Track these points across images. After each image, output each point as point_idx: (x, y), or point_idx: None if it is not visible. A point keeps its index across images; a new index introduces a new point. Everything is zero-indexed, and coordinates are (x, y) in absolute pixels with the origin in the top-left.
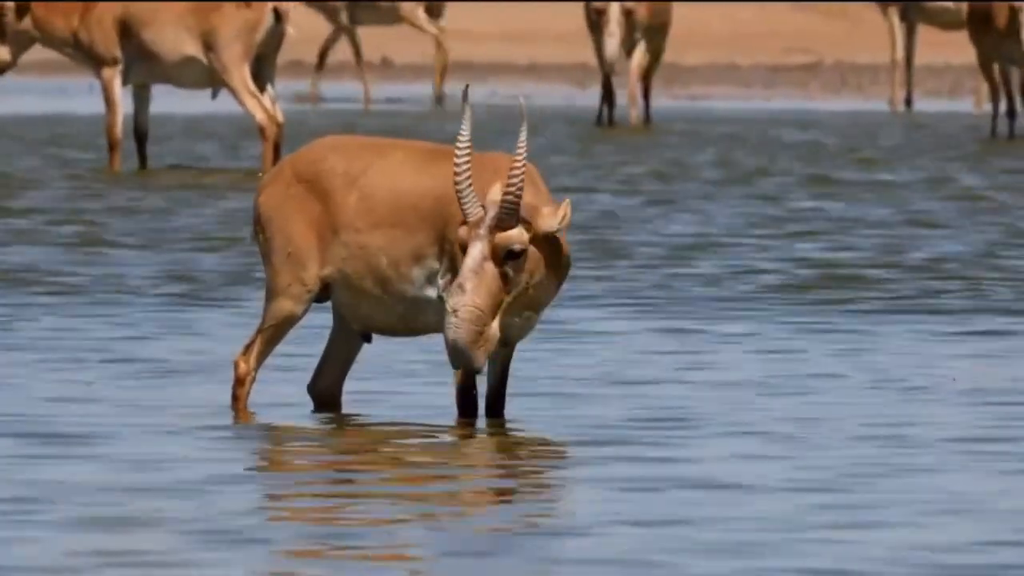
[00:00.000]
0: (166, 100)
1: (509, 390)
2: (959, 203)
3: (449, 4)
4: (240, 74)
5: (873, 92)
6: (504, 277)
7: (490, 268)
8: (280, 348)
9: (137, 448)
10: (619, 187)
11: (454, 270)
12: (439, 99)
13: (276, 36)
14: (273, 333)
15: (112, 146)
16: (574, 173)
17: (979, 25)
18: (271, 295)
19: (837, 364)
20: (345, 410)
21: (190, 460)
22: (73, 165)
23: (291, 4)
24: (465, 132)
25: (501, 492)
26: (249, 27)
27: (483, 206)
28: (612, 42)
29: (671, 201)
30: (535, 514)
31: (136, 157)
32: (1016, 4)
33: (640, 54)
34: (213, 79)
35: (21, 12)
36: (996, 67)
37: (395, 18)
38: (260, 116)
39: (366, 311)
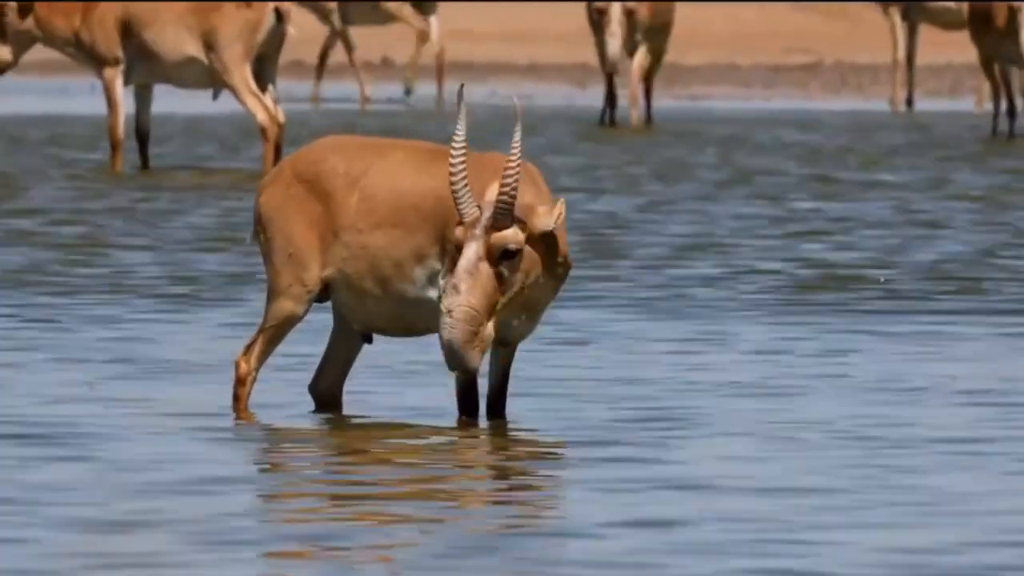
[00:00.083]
0: (167, 100)
1: (509, 390)
2: (959, 203)
3: (449, 4)
4: (241, 74)
5: (873, 92)
6: (499, 277)
7: (485, 268)
8: (281, 348)
9: (137, 448)
10: (620, 187)
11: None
12: (408, 91)
13: (277, 36)
14: (274, 333)
15: (114, 146)
16: (574, 173)
17: (980, 25)
18: (272, 295)
19: (837, 364)
20: (346, 410)
21: (190, 460)
22: (74, 165)
23: (291, 4)
24: (461, 132)
25: (500, 493)
26: (250, 27)
27: (479, 206)
28: (614, 42)
29: (671, 201)
30: (534, 515)
31: (138, 157)
32: (1015, 4)
33: (642, 55)
34: (214, 79)
35: (23, 12)
36: (996, 67)
37: (387, 17)
38: (261, 116)
39: (367, 311)
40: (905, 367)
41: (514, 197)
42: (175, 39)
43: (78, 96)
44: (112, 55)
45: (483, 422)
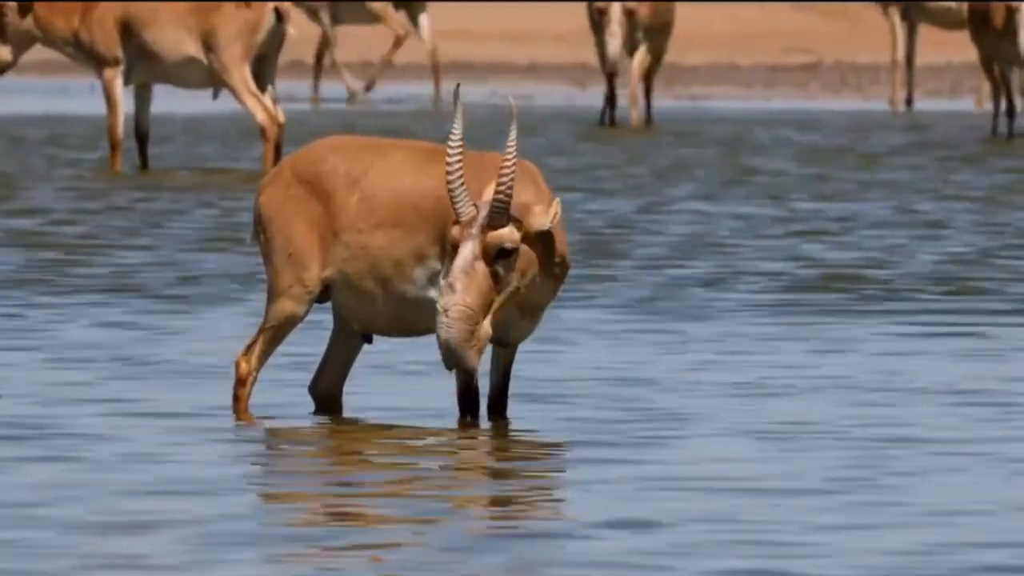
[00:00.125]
0: (167, 100)
1: (509, 390)
2: (959, 203)
3: (449, 4)
4: (240, 74)
5: (873, 92)
6: (495, 276)
7: (481, 267)
8: (281, 348)
9: (137, 448)
10: (620, 187)
11: None
12: (368, 88)
13: (277, 36)
14: (274, 334)
15: (113, 146)
16: (574, 173)
17: (979, 25)
18: (272, 296)
19: (837, 365)
20: (346, 411)
21: (190, 460)
22: (74, 165)
23: (290, 4)
24: (457, 131)
25: (500, 493)
26: (250, 27)
27: (475, 205)
28: (614, 42)
29: (671, 201)
30: (534, 515)
31: (137, 157)
32: (1013, 4)
33: (642, 54)
34: (214, 79)
35: (23, 12)
36: (996, 67)
37: (374, 17)
38: (261, 116)
39: (367, 312)
40: (905, 367)
41: (510, 196)
42: (175, 39)
43: (78, 96)
44: (112, 55)
45: (484, 422)
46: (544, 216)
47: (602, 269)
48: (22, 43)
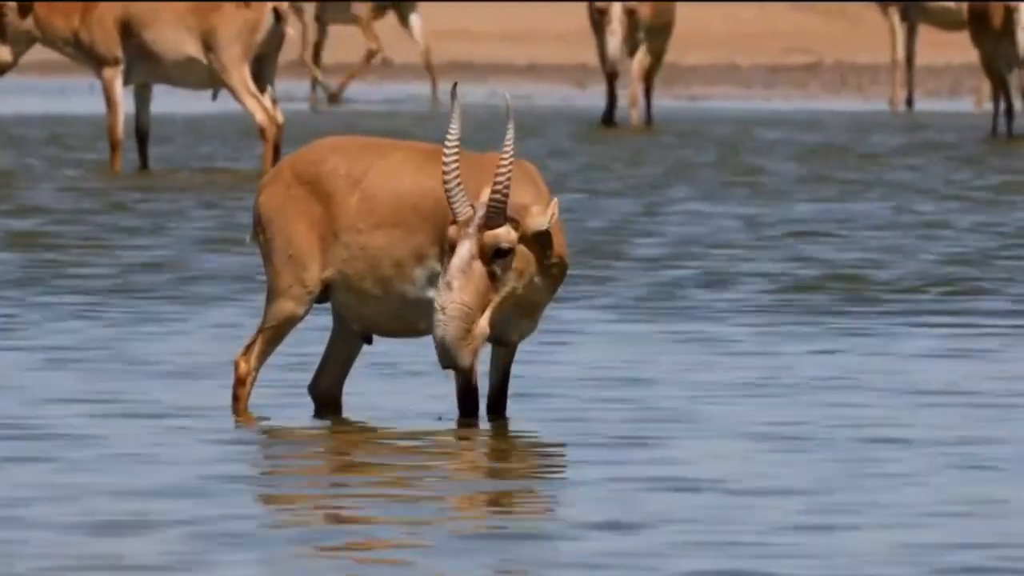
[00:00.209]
0: (167, 100)
1: (509, 390)
2: (959, 203)
3: (449, 4)
4: (240, 74)
5: (873, 92)
6: (492, 276)
7: (478, 267)
8: (281, 348)
9: (136, 448)
10: (620, 187)
11: None
12: (325, 90)
13: (276, 36)
14: (274, 334)
15: (113, 146)
16: (574, 174)
17: (979, 25)
18: (272, 296)
19: (837, 365)
20: (346, 411)
21: (190, 460)
22: (74, 165)
23: (289, 4)
24: (454, 131)
25: (499, 493)
26: (249, 27)
27: (473, 205)
28: (614, 41)
29: (671, 201)
30: (534, 515)
31: (137, 157)
32: (1012, 4)
33: (642, 54)
34: (214, 79)
35: (23, 12)
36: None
37: (355, 19)
38: (260, 116)
39: (367, 312)
40: (904, 367)
41: (506, 196)
42: (174, 39)
43: (78, 96)
44: (111, 55)
45: (483, 422)
46: (542, 216)
47: (602, 269)
48: (22, 43)
